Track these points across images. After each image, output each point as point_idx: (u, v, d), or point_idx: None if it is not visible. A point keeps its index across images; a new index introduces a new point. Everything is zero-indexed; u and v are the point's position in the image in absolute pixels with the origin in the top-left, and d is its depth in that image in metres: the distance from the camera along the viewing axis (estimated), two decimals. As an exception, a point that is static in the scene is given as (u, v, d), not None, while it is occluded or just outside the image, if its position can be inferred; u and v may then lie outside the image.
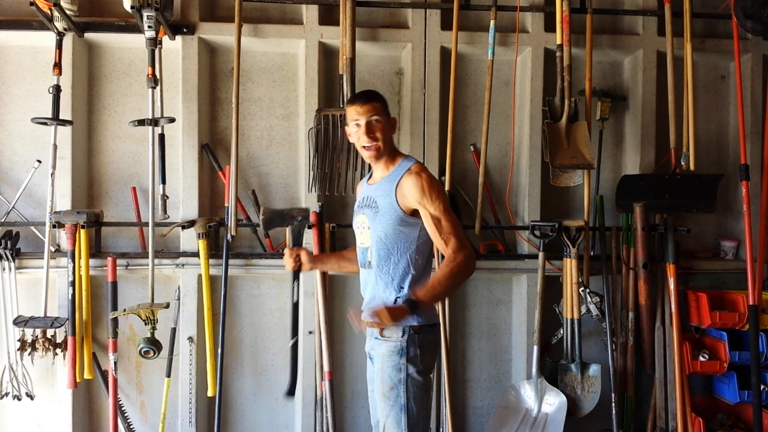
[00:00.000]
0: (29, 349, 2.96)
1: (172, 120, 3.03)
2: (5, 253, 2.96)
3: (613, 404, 3.09)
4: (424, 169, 2.15)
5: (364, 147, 2.16)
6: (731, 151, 3.59)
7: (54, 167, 2.97)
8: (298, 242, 2.44)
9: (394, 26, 3.34)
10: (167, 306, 2.97)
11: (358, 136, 2.15)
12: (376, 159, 2.17)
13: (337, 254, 2.56)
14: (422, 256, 2.15)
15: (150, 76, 2.90)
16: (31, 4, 2.78)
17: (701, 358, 3.13)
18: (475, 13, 3.30)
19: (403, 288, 2.11)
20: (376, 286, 2.16)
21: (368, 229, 2.18)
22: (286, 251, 2.39)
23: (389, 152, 2.19)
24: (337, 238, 3.20)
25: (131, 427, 3.17)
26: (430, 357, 2.17)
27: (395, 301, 2.11)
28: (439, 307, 2.96)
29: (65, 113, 3.04)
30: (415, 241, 2.11)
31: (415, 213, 2.10)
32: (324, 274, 3.08)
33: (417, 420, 2.08)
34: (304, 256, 2.38)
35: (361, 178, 3.03)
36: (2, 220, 3.10)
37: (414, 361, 2.08)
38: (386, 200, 2.12)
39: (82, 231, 2.95)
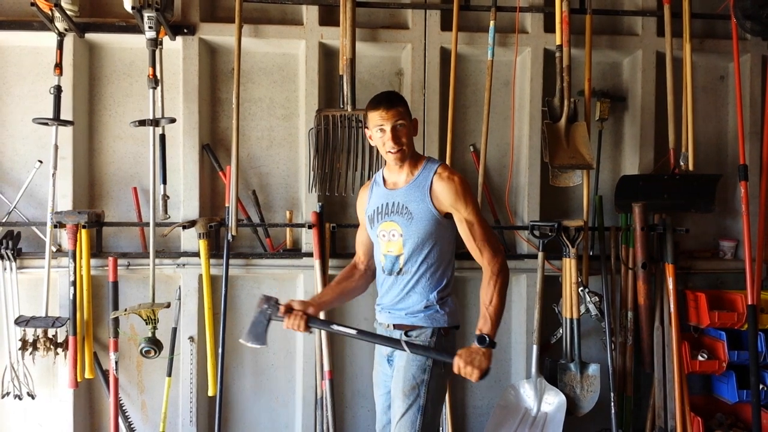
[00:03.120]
0: (30, 349, 2.97)
1: (172, 120, 3.04)
2: (6, 253, 2.97)
3: (613, 404, 3.10)
4: (454, 171, 2.13)
5: (389, 152, 2.10)
6: (730, 151, 3.59)
7: (55, 167, 2.98)
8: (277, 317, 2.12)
9: (394, 27, 3.34)
10: (168, 306, 2.98)
11: (383, 141, 2.09)
12: (401, 162, 2.13)
13: (333, 289, 2.31)
14: (452, 255, 2.20)
15: (151, 76, 2.91)
16: (32, 4, 2.78)
17: (700, 358, 3.14)
18: (474, 13, 3.31)
19: (437, 291, 2.12)
20: (408, 291, 2.13)
21: (401, 237, 2.12)
22: (286, 321, 2.08)
23: (411, 154, 2.16)
24: (337, 237, 3.22)
25: (132, 426, 3.18)
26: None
27: (425, 307, 2.11)
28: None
29: (66, 113, 3.05)
30: (449, 242, 2.14)
31: (448, 215, 2.11)
32: (324, 274, 3.08)
33: (431, 421, 2.08)
34: (298, 306, 2.11)
35: (362, 179, 3.06)
36: (3, 220, 3.10)
37: (439, 363, 2.07)
38: (421, 205, 2.09)
39: (83, 231, 2.96)
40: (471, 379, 1.95)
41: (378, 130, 2.10)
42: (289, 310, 2.10)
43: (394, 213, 2.14)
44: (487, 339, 1.97)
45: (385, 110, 2.07)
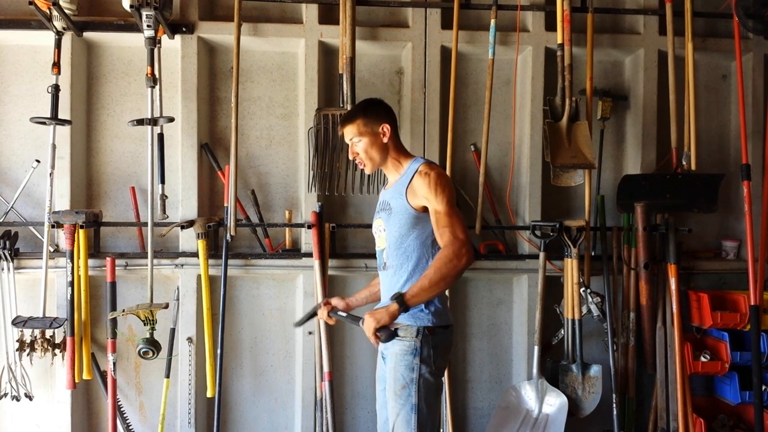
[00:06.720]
0: (28, 350, 2.95)
1: (171, 119, 3.02)
2: (4, 254, 2.95)
3: (614, 405, 3.09)
4: (433, 167, 2.17)
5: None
6: (732, 150, 3.58)
7: (53, 167, 2.96)
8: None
9: (394, 25, 3.33)
10: (166, 306, 2.95)
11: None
12: (370, 171, 2.27)
13: (369, 286, 2.48)
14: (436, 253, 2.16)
15: (149, 75, 2.89)
16: (30, 3, 2.77)
17: (702, 359, 3.12)
18: (475, 12, 3.29)
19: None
20: (395, 286, 2.17)
21: (384, 232, 2.22)
22: (321, 312, 2.33)
23: (394, 158, 2.25)
24: (337, 238, 3.20)
25: (130, 427, 3.16)
26: (442, 358, 2.16)
27: None
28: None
29: (64, 113, 3.03)
30: (430, 236, 2.14)
31: (426, 209, 2.13)
32: (324, 275, 3.07)
33: (426, 420, 2.08)
34: (333, 301, 2.35)
35: (362, 179, 3.06)
36: (1, 220, 3.09)
37: (427, 361, 2.09)
38: (398, 201, 2.17)
39: (81, 231, 2.94)
40: (367, 334, 2.01)
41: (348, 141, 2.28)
42: (328, 304, 2.34)
43: (381, 210, 2.26)
44: (399, 296, 2.00)
45: (341, 127, 2.27)
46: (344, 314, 2.25)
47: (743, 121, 3.18)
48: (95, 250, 3.09)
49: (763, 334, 3.06)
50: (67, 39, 3.05)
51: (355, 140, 2.21)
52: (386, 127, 2.21)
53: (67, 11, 2.86)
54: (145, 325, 2.94)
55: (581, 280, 3.14)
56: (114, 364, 2.99)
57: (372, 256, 2.91)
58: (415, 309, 2.10)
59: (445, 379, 3.11)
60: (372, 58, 3.35)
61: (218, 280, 3.07)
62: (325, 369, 3.02)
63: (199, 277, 3.10)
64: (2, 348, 2.99)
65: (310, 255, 3.11)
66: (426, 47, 3.27)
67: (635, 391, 3.21)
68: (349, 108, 3.04)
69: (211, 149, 3.25)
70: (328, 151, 3.05)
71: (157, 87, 2.95)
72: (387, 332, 1.99)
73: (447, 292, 2.34)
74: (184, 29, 3.12)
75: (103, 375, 3.10)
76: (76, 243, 2.93)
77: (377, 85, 3.36)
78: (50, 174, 2.95)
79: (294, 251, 3.24)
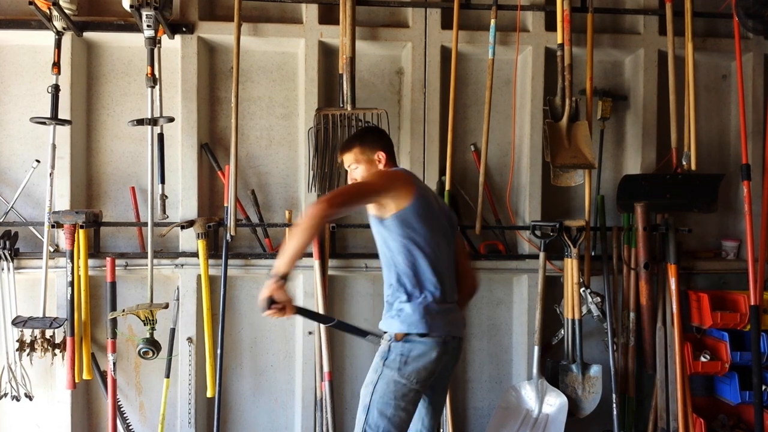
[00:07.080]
0: (28, 350, 2.95)
1: (171, 119, 3.02)
2: (4, 254, 2.95)
3: (614, 405, 3.09)
4: (394, 169, 2.30)
5: None
6: (732, 150, 3.57)
7: (53, 167, 2.96)
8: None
9: (394, 25, 3.33)
10: (166, 306, 2.95)
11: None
12: None
13: None
14: (409, 263, 2.14)
15: (149, 75, 2.89)
16: (30, 3, 2.77)
17: (702, 359, 3.12)
18: (475, 12, 3.29)
19: (396, 293, 2.16)
20: (384, 296, 2.26)
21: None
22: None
23: None
24: (337, 238, 3.20)
25: (130, 428, 3.16)
26: (414, 367, 2.09)
27: (387, 312, 2.20)
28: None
29: (64, 113, 3.03)
30: (398, 247, 2.14)
31: (380, 214, 2.14)
32: (324, 275, 3.07)
33: (377, 426, 2.07)
34: None
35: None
36: (1, 220, 3.09)
37: (391, 366, 2.10)
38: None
39: (81, 231, 2.94)
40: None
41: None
42: None
43: None
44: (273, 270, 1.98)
45: (339, 155, 2.41)
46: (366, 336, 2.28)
47: (743, 121, 3.18)
48: (95, 250, 3.09)
49: (763, 334, 3.06)
50: (67, 39, 3.04)
51: (353, 167, 2.32)
52: (381, 155, 2.31)
53: (67, 11, 2.86)
54: (145, 325, 2.94)
55: (581, 280, 3.13)
56: (114, 364, 2.99)
57: (371, 256, 2.93)
58: (386, 316, 2.17)
59: (445, 379, 3.11)
60: (372, 58, 3.35)
61: (218, 280, 3.07)
62: (325, 369, 3.02)
63: (199, 277, 3.09)
64: (2, 348, 2.99)
65: (310, 255, 3.11)
66: (426, 47, 3.27)
67: (635, 391, 3.21)
68: (349, 108, 3.05)
69: (211, 149, 3.25)
70: (328, 151, 3.05)
71: (157, 87, 2.95)
72: (266, 302, 1.94)
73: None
74: (184, 29, 3.12)
75: (103, 375, 3.10)
76: (76, 243, 2.93)
77: (377, 85, 3.36)
78: (50, 174, 2.95)
79: (294, 251, 3.23)
